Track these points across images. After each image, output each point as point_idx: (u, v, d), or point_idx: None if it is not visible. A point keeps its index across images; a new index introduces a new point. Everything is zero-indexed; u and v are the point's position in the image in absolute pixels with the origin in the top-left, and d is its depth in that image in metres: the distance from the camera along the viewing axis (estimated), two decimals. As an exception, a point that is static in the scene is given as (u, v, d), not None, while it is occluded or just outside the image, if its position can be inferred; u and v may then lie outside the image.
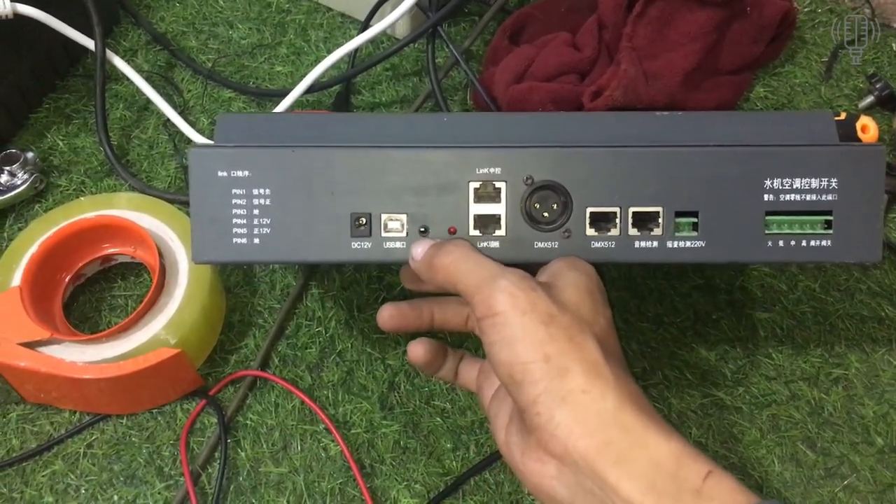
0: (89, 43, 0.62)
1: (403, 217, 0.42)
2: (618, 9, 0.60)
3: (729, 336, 0.55)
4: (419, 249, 0.41)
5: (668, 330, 0.55)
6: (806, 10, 0.72)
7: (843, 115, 0.61)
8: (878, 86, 0.64)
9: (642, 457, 0.33)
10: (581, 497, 0.34)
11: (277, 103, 0.63)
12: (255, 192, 0.42)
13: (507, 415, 0.39)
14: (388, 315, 0.45)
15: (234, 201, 0.42)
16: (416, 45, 0.69)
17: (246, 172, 0.42)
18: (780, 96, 0.66)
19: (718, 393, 0.52)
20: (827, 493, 0.49)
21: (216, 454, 0.50)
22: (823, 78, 0.67)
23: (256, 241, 0.42)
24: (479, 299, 0.37)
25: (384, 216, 0.42)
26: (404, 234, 0.42)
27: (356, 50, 0.65)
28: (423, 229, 0.42)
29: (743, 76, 0.65)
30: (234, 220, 0.42)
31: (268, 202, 0.42)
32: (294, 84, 0.63)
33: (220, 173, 0.42)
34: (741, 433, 0.51)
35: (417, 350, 0.44)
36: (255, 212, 0.42)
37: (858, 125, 0.60)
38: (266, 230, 0.42)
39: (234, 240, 0.42)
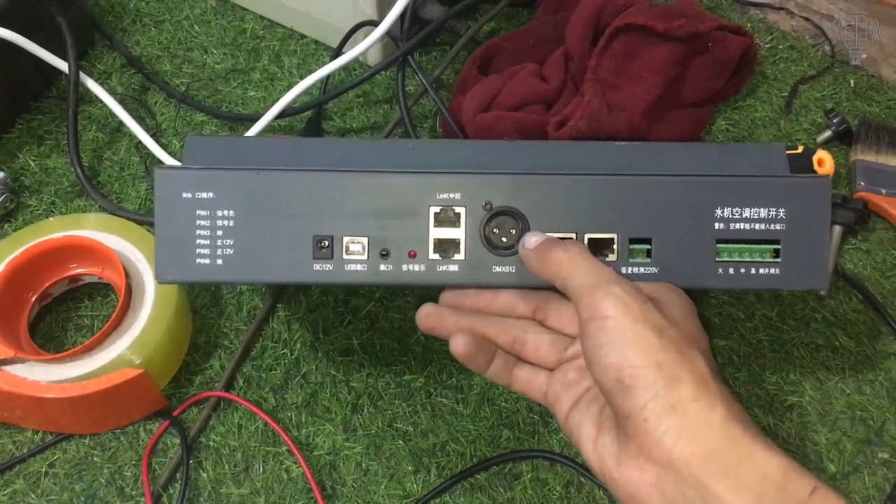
0: (63, 65, 0.63)
1: (365, 240, 0.43)
2: (584, 42, 0.62)
3: (687, 362, 0.55)
4: (533, 239, 0.42)
5: (629, 356, 0.56)
6: (767, 45, 0.74)
7: (800, 149, 0.62)
8: (835, 121, 0.66)
9: (750, 469, 0.33)
10: None
11: (249, 127, 0.64)
12: (219, 213, 0.43)
13: (593, 425, 0.40)
14: (426, 313, 0.45)
15: (198, 222, 0.43)
16: (387, 73, 0.70)
17: (210, 194, 0.43)
18: (740, 129, 0.68)
19: (676, 418, 0.53)
20: (780, 518, 0.50)
21: (178, 475, 0.50)
22: (783, 112, 0.69)
23: (220, 261, 0.43)
24: (589, 301, 0.38)
25: (346, 239, 0.43)
26: (365, 256, 0.43)
27: (328, 76, 0.66)
28: (384, 252, 0.43)
29: (704, 109, 0.67)
30: (198, 241, 0.43)
31: (231, 224, 0.43)
32: (266, 109, 0.64)
33: (184, 194, 0.43)
34: (697, 458, 0.52)
35: (458, 343, 0.42)
36: (219, 233, 0.43)
37: (815, 159, 0.62)
38: (229, 251, 0.43)
39: (198, 260, 0.43)
